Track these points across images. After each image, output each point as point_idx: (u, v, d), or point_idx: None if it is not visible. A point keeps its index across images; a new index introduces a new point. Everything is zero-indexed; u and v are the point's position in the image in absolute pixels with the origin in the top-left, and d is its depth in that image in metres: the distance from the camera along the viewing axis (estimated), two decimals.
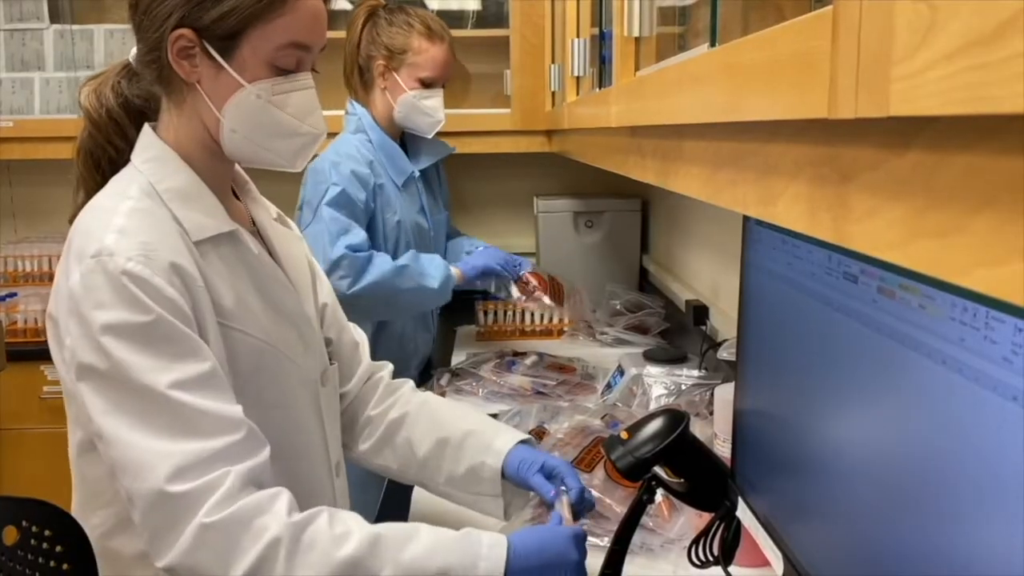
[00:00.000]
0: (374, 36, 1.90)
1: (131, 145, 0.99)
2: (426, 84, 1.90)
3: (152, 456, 0.82)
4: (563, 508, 1.00)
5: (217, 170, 1.01)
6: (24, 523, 1.41)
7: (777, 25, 0.47)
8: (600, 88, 1.41)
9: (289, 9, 0.92)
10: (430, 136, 1.97)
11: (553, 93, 2.19)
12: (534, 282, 1.96)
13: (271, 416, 0.97)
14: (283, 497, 0.85)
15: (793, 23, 0.45)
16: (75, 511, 1.03)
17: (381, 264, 1.75)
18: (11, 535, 1.40)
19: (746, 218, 0.84)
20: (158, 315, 0.85)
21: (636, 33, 1.01)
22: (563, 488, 1.04)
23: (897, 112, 0.33)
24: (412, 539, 0.87)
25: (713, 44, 0.71)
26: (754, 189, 0.57)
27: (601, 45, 1.42)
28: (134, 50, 0.99)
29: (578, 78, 1.72)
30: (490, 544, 0.88)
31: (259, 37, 0.92)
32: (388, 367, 1.27)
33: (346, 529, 0.85)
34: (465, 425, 1.15)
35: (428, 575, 0.85)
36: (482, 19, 2.53)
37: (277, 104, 0.95)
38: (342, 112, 2.01)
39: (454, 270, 1.85)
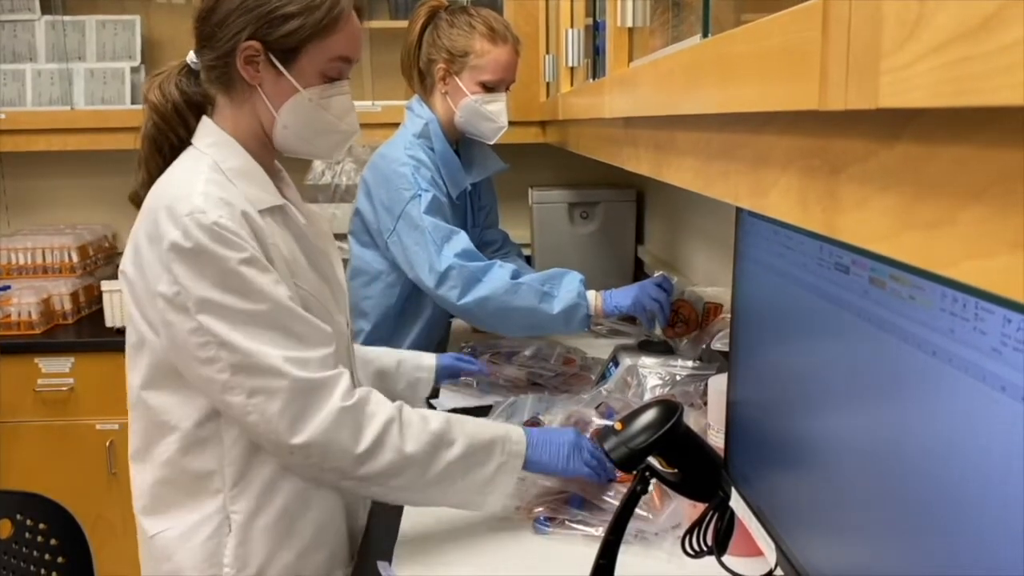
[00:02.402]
0: (435, 39, 1.81)
1: (191, 133, 1.14)
2: (488, 88, 1.79)
3: (281, 361, 1.01)
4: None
5: (264, 158, 1.16)
6: (19, 516, 1.41)
7: (769, 16, 0.47)
8: (594, 79, 1.40)
9: (339, 29, 1.10)
10: (492, 142, 1.87)
11: (547, 83, 2.19)
12: (683, 315, 1.71)
13: None
14: (375, 390, 1.10)
15: (784, 15, 0.44)
16: (134, 452, 1.13)
17: (496, 278, 1.65)
18: (6, 529, 1.40)
19: (739, 209, 0.85)
20: (252, 253, 1.02)
21: (630, 24, 1.01)
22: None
23: (886, 104, 0.33)
24: (467, 418, 1.17)
25: (706, 35, 0.71)
26: (746, 180, 0.57)
27: (595, 35, 1.42)
28: (192, 54, 1.14)
29: (572, 68, 1.72)
30: (513, 426, 1.22)
31: (315, 51, 1.10)
32: None
33: (423, 413, 1.12)
34: (392, 356, 1.52)
35: (484, 443, 1.14)
36: None
37: (323, 106, 1.13)
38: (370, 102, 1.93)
39: (594, 299, 1.68)
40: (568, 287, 1.66)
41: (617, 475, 1.20)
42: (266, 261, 1.04)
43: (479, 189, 2.02)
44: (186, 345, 1.02)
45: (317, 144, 1.17)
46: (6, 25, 2.56)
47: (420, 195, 1.69)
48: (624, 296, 1.68)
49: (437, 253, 1.66)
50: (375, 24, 2.59)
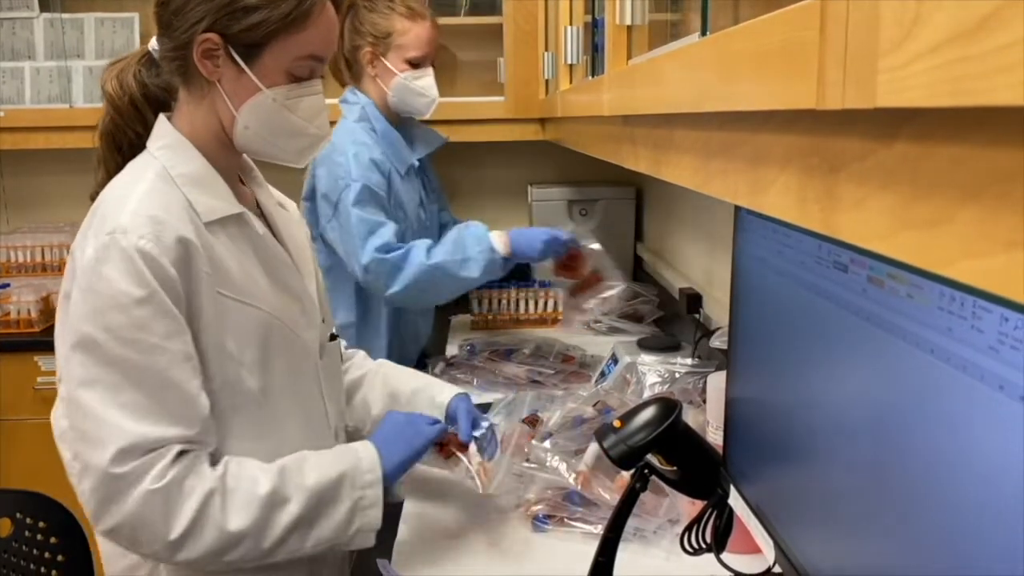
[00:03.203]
0: (356, 26, 1.87)
1: (149, 130, 1.05)
2: (415, 64, 1.87)
3: (113, 441, 0.91)
4: (471, 456, 1.22)
5: (226, 159, 1.08)
6: (19, 515, 1.41)
7: (767, 15, 0.47)
8: (593, 76, 1.40)
9: (310, 25, 1.00)
10: (427, 115, 1.93)
11: (547, 81, 2.19)
12: (580, 262, 1.90)
13: (277, 382, 1.05)
14: (204, 456, 0.96)
15: (782, 13, 0.44)
16: None
17: (415, 263, 1.71)
18: (5, 527, 1.40)
19: (738, 207, 0.84)
20: (158, 293, 0.92)
21: (628, 21, 1.01)
22: (475, 435, 1.24)
23: (883, 103, 0.33)
24: (306, 462, 1.03)
25: (704, 33, 0.71)
26: (745, 179, 0.57)
27: (594, 33, 1.42)
28: (154, 41, 1.05)
29: (571, 66, 1.72)
30: (362, 446, 1.09)
31: (280, 48, 1.00)
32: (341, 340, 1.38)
33: (254, 472, 0.99)
34: (413, 383, 1.35)
35: (327, 487, 1.01)
36: (475, 6, 2.52)
37: (289, 107, 1.03)
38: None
39: (499, 244, 1.75)
40: (476, 245, 1.74)
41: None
42: (172, 304, 0.93)
43: (428, 172, 2.07)
44: (59, 373, 0.96)
45: (282, 147, 1.06)
46: (4, 23, 2.56)
47: (350, 185, 1.74)
48: (530, 247, 1.77)
49: (361, 247, 1.72)
50: None
